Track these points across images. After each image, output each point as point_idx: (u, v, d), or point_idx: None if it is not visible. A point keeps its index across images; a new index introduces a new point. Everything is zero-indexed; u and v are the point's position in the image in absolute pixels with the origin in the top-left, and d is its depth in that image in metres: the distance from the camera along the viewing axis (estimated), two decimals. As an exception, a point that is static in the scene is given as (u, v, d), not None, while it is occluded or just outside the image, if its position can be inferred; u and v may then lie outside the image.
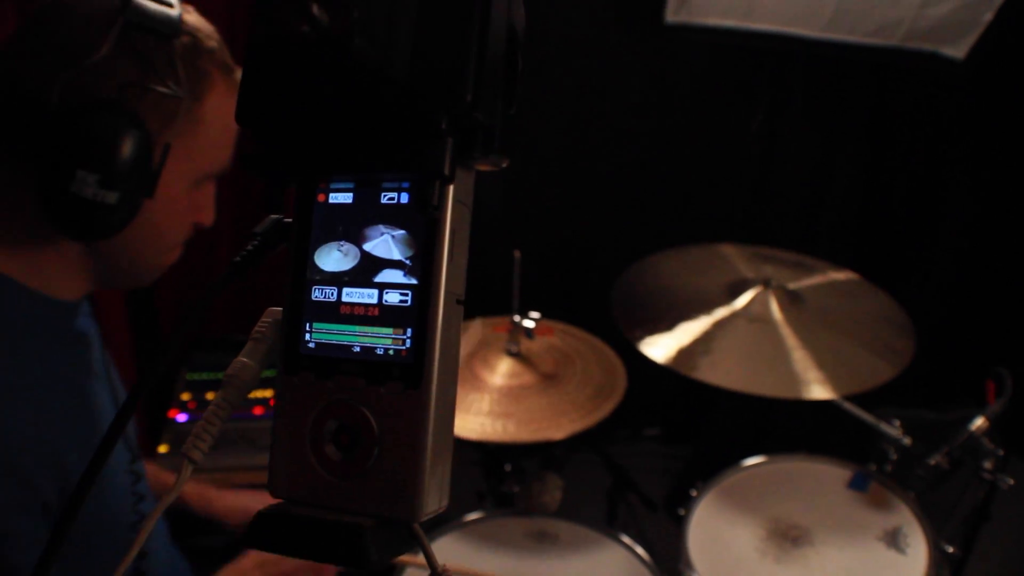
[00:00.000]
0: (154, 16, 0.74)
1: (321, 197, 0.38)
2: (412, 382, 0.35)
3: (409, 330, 0.36)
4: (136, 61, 0.74)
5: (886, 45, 1.79)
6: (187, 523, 1.31)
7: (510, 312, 1.46)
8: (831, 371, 1.34)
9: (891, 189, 2.33)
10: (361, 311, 0.37)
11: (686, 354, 1.39)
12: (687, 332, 1.44)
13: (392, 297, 0.36)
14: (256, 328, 0.40)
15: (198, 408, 1.56)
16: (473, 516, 1.35)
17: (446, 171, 0.34)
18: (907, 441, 1.38)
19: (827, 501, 1.34)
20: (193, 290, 1.82)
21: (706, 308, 1.48)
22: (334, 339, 0.37)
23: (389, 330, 0.36)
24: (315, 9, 0.31)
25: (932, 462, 1.21)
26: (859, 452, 1.47)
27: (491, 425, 1.34)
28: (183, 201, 0.83)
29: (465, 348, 1.52)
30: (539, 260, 2.25)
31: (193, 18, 0.80)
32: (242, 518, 1.22)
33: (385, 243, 0.37)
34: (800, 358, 1.37)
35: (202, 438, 0.38)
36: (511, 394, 1.41)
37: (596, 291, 1.67)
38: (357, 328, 0.37)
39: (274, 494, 0.38)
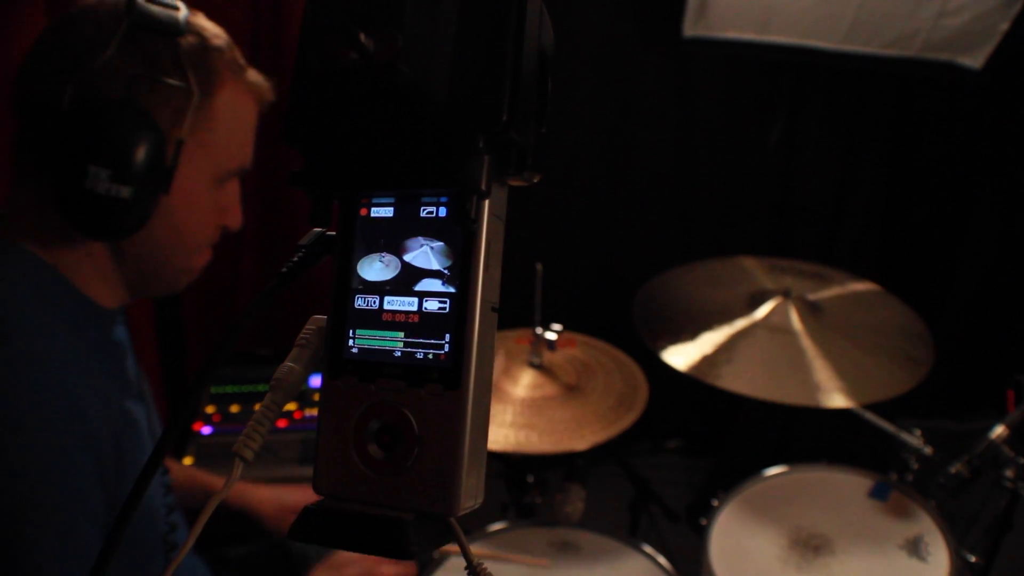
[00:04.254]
0: (158, 17, 0.76)
1: (364, 211, 0.40)
2: (451, 384, 0.37)
3: (448, 335, 0.38)
4: (142, 59, 0.76)
5: (904, 56, 1.80)
6: (213, 528, 1.33)
7: (532, 324, 1.48)
8: (851, 380, 1.35)
9: (911, 200, 2.33)
10: (402, 318, 0.39)
11: (707, 363, 1.40)
12: (708, 342, 1.45)
13: (431, 305, 0.38)
14: (301, 335, 0.42)
15: (223, 421, 1.58)
16: (497, 526, 1.36)
17: (483, 187, 0.36)
18: (928, 450, 1.38)
19: (848, 510, 1.35)
20: (219, 302, 1.85)
21: (727, 318, 1.49)
22: (376, 344, 0.39)
23: (427, 335, 0.38)
24: (363, 37, 0.34)
25: (953, 470, 1.21)
26: (881, 462, 1.47)
27: (514, 436, 1.36)
28: (206, 200, 0.84)
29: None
30: (561, 273, 2.27)
31: (200, 20, 0.82)
32: (275, 508, 1.23)
33: (425, 254, 0.39)
34: (820, 367, 1.38)
35: (252, 438, 0.40)
36: (534, 405, 1.42)
37: (618, 304, 1.68)
38: (398, 334, 0.39)
39: (318, 491, 0.40)
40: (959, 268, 2.37)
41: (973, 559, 1.29)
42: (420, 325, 0.39)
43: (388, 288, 0.39)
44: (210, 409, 1.60)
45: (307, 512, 0.38)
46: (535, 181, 0.40)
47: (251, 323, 0.41)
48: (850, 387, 1.34)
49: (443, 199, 0.39)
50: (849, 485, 1.40)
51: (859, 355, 1.42)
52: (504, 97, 0.36)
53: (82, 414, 0.74)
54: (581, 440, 1.34)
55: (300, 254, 0.43)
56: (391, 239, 0.40)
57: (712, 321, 1.49)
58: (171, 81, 0.77)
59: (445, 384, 0.37)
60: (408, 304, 0.39)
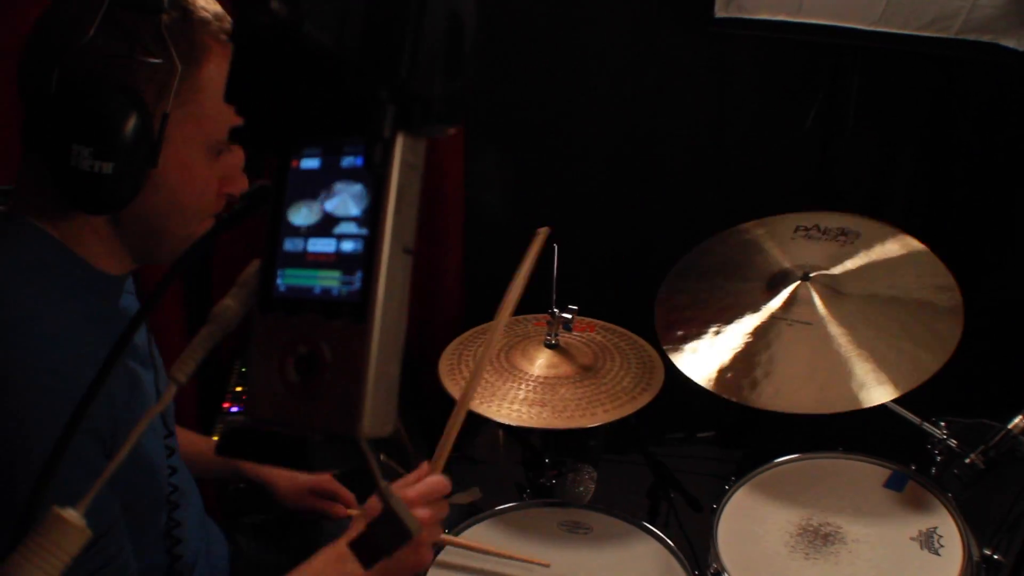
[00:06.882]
0: None
1: (295, 163, 0.44)
2: (359, 318, 0.41)
3: (359, 273, 0.41)
4: (124, 37, 0.79)
5: (943, 37, 1.75)
6: (236, 499, 1.40)
7: (549, 306, 1.51)
8: (887, 370, 1.30)
9: (951, 184, 2.25)
10: (323, 258, 0.43)
11: (731, 383, 1.40)
12: (727, 348, 1.43)
13: (347, 246, 0.42)
14: (240, 276, 0.46)
15: (250, 399, 1.65)
16: (508, 505, 1.39)
17: (385, 134, 0.40)
18: (953, 443, 1.35)
19: (862, 499, 1.33)
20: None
21: (747, 312, 1.47)
22: (301, 283, 0.43)
23: (341, 273, 0.42)
24: (273, 3, 0.38)
25: (968, 461, 1.19)
26: (910, 455, 1.44)
27: (527, 412, 1.38)
28: (201, 170, 0.87)
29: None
30: (588, 257, 2.27)
31: None
32: (288, 482, 1.30)
33: (343, 200, 0.42)
34: (851, 360, 1.34)
35: (186, 363, 0.44)
36: (547, 384, 1.45)
37: (642, 287, 1.68)
38: (319, 272, 0.43)
39: (249, 416, 0.44)
40: (1006, 254, 2.28)
41: (996, 556, 1.26)
42: (337, 264, 0.42)
43: (312, 232, 0.43)
44: (239, 388, 1.68)
45: (230, 431, 0.42)
46: (450, 133, 0.43)
47: (194, 262, 0.45)
48: (888, 377, 1.30)
49: (362, 148, 0.42)
50: (864, 474, 1.38)
51: (889, 337, 1.36)
52: (403, 53, 0.39)
53: (67, 372, 0.77)
54: (592, 418, 1.36)
55: (241, 204, 0.47)
56: (317, 188, 0.43)
57: (731, 318, 1.46)
58: (153, 57, 0.79)
59: (353, 318, 0.41)
60: (327, 246, 0.42)
